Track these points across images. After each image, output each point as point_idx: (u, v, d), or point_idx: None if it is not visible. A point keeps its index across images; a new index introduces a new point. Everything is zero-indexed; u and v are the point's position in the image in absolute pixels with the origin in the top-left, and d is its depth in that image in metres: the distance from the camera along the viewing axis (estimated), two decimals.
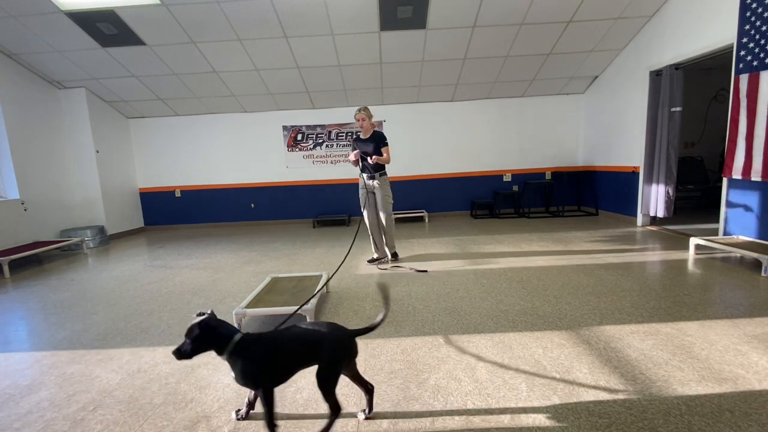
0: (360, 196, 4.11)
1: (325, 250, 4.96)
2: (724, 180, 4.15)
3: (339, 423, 1.63)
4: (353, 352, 1.58)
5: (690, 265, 3.60)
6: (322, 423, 1.55)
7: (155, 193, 7.35)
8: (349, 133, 7.06)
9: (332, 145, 7.13)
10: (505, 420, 1.60)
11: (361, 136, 4.04)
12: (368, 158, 3.88)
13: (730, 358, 1.98)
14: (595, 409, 1.64)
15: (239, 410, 1.69)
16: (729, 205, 4.14)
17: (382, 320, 1.60)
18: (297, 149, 7.16)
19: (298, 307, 2.43)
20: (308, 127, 7.08)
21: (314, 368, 1.50)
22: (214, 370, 2.11)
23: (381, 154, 3.92)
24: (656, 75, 5.08)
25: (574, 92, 6.91)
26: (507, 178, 7.24)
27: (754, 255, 3.28)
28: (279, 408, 1.73)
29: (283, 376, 1.53)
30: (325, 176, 7.23)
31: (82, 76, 5.78)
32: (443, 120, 7.05)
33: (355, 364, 1.62)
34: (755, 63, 3.64)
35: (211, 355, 2.26)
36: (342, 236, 5.83)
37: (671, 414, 1.59)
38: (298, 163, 7.20)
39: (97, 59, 5.37)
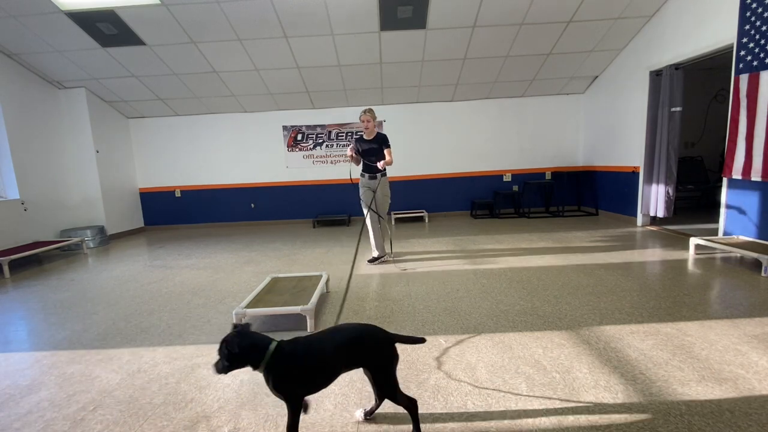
0: (361, 194, 4.15)
1: (325, 250, 4.96)
2: (724, 180, 4.15)
3: (339, 423, 1.63)
4: (395, 354, 1.53)
5: (690, 265, 3.60)
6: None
7: (155, 193, 7.35)
8: (349, 133, 7.06)
9: (332, 145, 7.13)
10: (505, 420, 1.60)
11: (365, 137, 4.06)
12: (375, 162, 3.94)
13: (730, 358, 1.98)
14: (595, 409, 1.64)
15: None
16: (729, 205, 4.14)
17: (417, 341, 1.60)
18: (297, 149, 7.16)
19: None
20: (308, 127, 7.08)
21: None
22: None
23: (384, 156, 3.97)
24: (656, 75, 5.08)
25: (574, 92, 6.91)
26: (507, 178, 7.24)
27: (754, 255, 3.28)
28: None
29: (323, 381, 1.46)
30: (325, 176, 7.23)
31: (82, 76, 5.78)
32: (443, 120, 7.05)
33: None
34: (755, 63, 3.64)
35: (211, 354, 2.28)
36: (342, 236, 5.83)
37: (671, 414, 1.59)
38: (298, 163, 7.20)
39: (97, 59, 5.37)
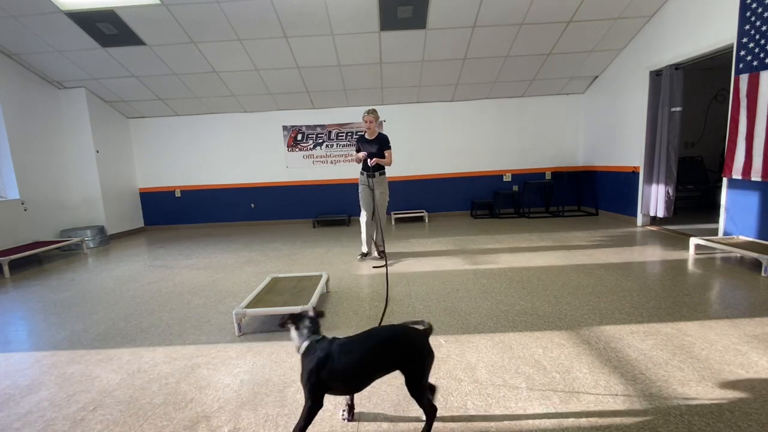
0: (360, 191, 4.22)
1: (325, 250, 4.96)
2: (724, 180, 4.15)
3: (339, 423, 1.63)
4: (431, 353, 1.53)
5: (690, 265, 3.60)
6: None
7: (155, 193, 7.35)
8: (350, 134, 7.06)
9: (332, 145, 7.13)
10: (505, 420, 1.60)
11: (366, 137, 4.10)
12: (369, 159, 3.99)
13: (730, 358, 1.98)
14: (595, 409, 1.64)
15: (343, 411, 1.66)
16: (729, 205, 4.14)
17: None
18: (297, 149, 7.16)
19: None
20: (308, 127, 7.08)
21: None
22: (214, 370, 2.11)
23: (384, 156, 4.05)
24: (656, 75, 5.08)
25: (574, 92, 6.91)
26: (507, 178, 7.24)
27: (754, 255, 3.28)
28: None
29: (359, 383, 1.49)
30: (325, 176, 7.23)
31: (82, 76, 5.78)
32: (443, 120, 7.05)
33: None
34: (755, 63, 3.64)
35: (211, 354, 2.28)
36: (342, 236, 5.83)
37: (671, 414, 1.59)
38: (298, 163, 7.19)
39: (97, 59, 5.37)
